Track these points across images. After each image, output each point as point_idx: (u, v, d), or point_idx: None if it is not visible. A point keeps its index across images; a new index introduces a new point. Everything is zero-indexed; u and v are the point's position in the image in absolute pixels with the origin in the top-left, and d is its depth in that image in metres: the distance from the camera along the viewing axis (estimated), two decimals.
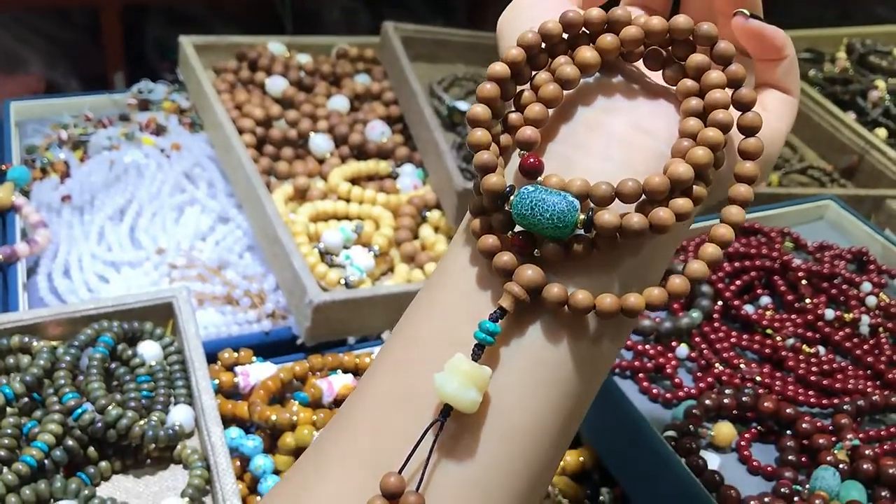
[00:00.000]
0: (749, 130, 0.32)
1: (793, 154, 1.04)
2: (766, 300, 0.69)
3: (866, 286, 0.71)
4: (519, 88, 0.33)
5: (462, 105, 0.90)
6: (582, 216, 0.29)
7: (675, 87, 0.33)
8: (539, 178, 0.30)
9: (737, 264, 0.70)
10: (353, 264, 0.74)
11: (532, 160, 0.30)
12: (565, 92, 0.32)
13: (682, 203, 0.30)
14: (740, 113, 0.32)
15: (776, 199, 0.84)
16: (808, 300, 0.69)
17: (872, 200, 0.90)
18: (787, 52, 0.36)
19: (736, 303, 0.67)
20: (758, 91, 0.38)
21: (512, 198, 0.30)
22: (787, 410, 0.58)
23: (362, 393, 0.32)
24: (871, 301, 0.70)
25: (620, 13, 0.33)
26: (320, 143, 0.87)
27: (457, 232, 0.34)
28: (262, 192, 0.76)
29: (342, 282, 0.72)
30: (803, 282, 0.70)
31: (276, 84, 0.92)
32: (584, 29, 0.33)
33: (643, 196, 0.30)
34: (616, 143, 0.31)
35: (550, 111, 0.32)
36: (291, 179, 0.84)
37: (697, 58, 0.32)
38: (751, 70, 0.38)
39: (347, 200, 0.82)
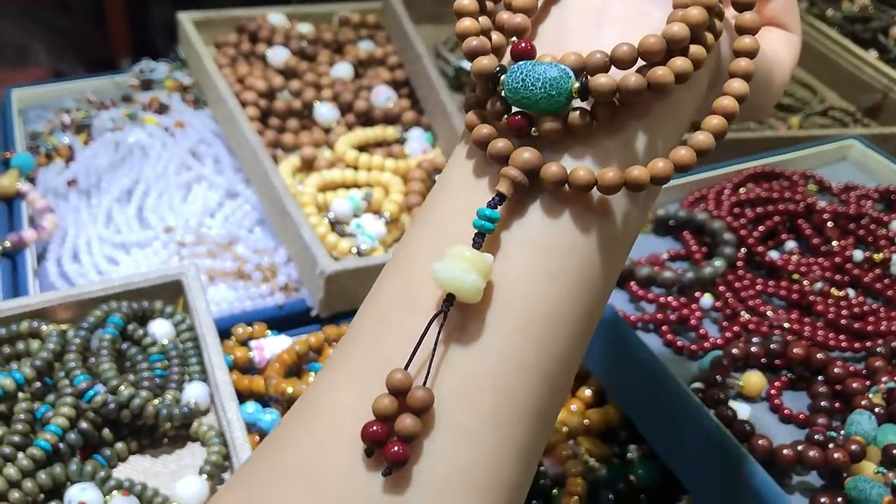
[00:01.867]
0: (746, 30, 0.31)
1: (813, 96, 1.01)
2: (791, 245, 0.67)
3: (895, 225, 0.69)
4: None
5: (468, 65, 0.88)
6: (577, 84, 0.28)
7: None
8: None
9: (759, 210, 0.68)
10: (365, 232, 0.72)
11: (523, 45, 0.29)
12: None
13: (681, 63, 0.29)
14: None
15: (797, 142, 0.81)
16: (834, 242, 0.66)
17: None
18: None
19: (760, 249, 0.65)
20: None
21: (503, 77, 0.29)
22: (818, 356, 0.56)
23: (366, 304, 0.31)
24: None
25: None
26: (325, 112, 0.85)
27: (456, 147, 0.32)
28: (269, 166, 0.74)
29: (354, 250, 0.71)
30: (829, 224, 0.68)
31: (278, 55, 0.90)
32: None
33: (639, 61, 0.29)
34: (609, 24, 0.30)
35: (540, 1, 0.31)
36: (298, 150, 0.82)
37: None
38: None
39: (355, 168, 0.80)
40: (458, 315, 0.28)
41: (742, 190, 0.70)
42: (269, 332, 0.65)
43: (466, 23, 0.30)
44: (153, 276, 0.62)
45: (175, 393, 0.57)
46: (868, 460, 0.50)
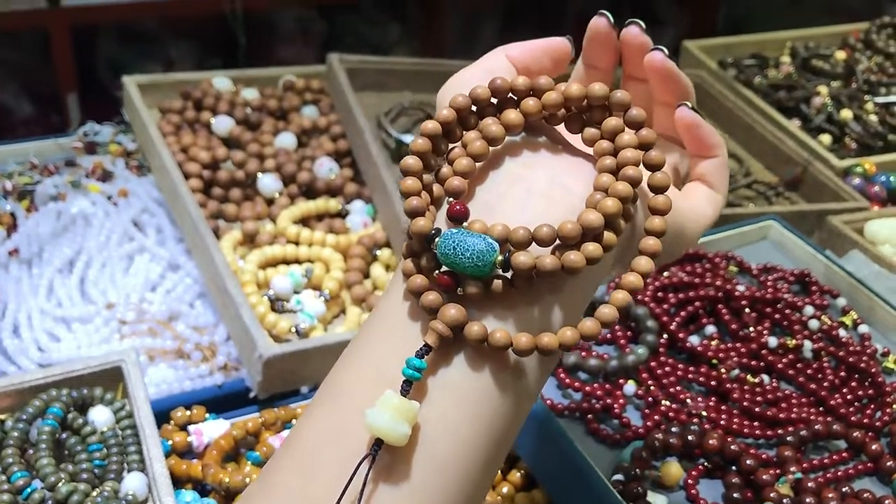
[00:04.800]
0: (658, 189, 0.35)
1: (739, 168, 1.06)
2: (711, 329, 0.71)
3: (808, 310, 0.73)
4: (451, 146, 0.36)
5: (408, 138, 0.90)
6: (500, 257, 0.32)
7: (591, 148, 0.36)
8: (465, 224, 0.33)
9: (681, 295, 0.71)
10: (304, 311, 0.74)
11: (458, 207, 0.33)
12: (492, 148, 0.35)
13: (592, 248, 0.32)
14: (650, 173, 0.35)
15: (721, 221, 0.85)
16: (751, 328, 0.70)
17: (816, 215, 0.91)
18: (718, 153, 0.40)
19: (681, 335, 0.68)
20: (690, 182, 0.41)
21: (437, 240, 0.32)
22: (732, 447, 0.59)
23: (296, 435, 0.34)
24: (814, 325, 0.71)
25: (543, 81, 0.36)
26: (268, 183, 0.87)
27: (393, 275, 0.36)
28: (210, 241, 0.76)
29: (293, 329, 0.73)
30: (746, 309, 0.71)
31: (223, 123, 0.91)
32: (511, 94, 0.36)
33: (557, 241, 0.32)
34: (536, 195, 0.34)
35: (478, 164, 0.35)
36: (240, 223, 0.84)
37: (612, 121, 0.35)
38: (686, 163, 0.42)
39: (297, 243, 0.82)
40: (386, 456, 0.32)
41: (666, 274, 0.74)
42: (207, 415, 0.66)
43: (409, 182, 0.34)
44: (94, 363, 0.63)
45: (114, 484, 0.58)
46: None
